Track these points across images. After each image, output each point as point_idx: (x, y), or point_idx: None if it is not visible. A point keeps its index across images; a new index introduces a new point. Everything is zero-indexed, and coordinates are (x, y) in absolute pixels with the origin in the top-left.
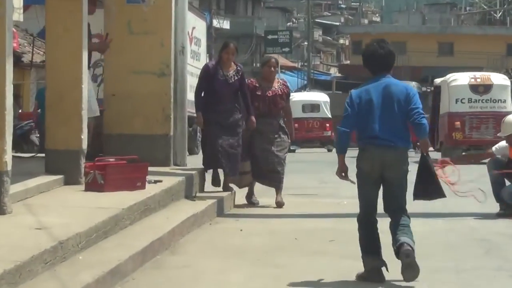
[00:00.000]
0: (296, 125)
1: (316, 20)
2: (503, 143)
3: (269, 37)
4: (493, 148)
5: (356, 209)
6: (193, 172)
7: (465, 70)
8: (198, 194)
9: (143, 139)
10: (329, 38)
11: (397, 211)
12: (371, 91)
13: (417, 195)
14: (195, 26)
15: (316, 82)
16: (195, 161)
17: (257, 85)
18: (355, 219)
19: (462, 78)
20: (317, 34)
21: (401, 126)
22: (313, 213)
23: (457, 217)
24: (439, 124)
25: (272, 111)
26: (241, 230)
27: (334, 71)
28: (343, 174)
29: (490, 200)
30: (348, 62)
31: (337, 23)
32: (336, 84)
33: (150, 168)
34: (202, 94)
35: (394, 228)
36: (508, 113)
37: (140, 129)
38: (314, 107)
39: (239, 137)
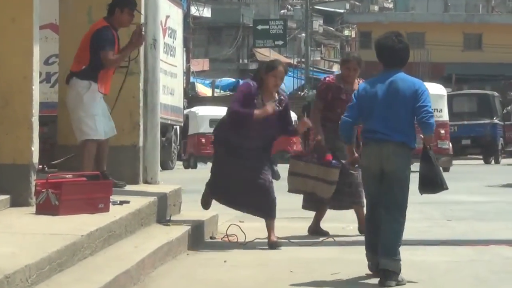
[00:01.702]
0: (203, 140)
1: (316, 6)
2: None
3: (259, 27)
4: None
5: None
6: (167, 191)
7: (496, 66)
8: (173, 218)
9: None
10: (331, 28)
11: (391, 207)
12: (377, 84)
13: (422, 189)
14: (170, 14)
15: (316, 81)
16: (170, 177)
17: (341, 85)
18: (363, 247)
19: None
20: (317, 24)
21: (403, 122)
22: (313, 240)
23: (485, 244)
24: None
25: None
26: (225, 261)
27: (337, 68)
28: (355, 165)
29: None
30: None
31: (341, 11)
32: None
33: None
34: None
35: (382, 230)
36: (444, 123)
37: None
38: None
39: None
